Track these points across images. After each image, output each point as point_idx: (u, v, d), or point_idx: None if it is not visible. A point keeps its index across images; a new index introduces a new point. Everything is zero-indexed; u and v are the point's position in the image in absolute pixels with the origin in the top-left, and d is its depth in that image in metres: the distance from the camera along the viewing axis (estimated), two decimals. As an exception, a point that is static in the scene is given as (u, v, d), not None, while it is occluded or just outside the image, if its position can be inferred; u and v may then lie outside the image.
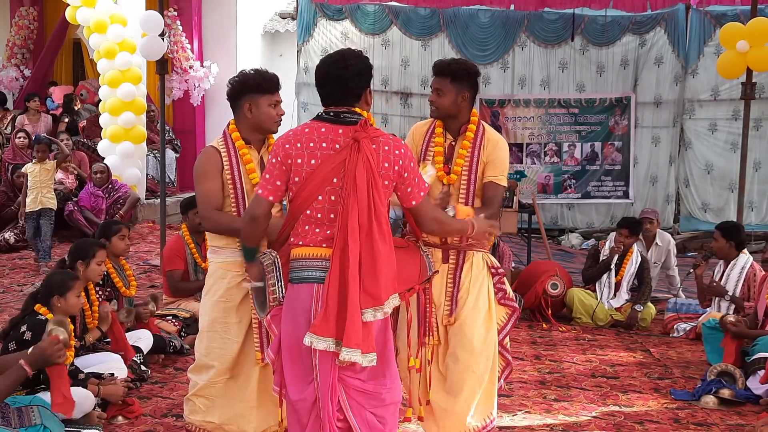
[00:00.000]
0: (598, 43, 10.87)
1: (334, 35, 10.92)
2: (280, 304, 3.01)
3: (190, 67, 12.14)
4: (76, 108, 11.81)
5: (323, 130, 2.92)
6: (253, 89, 3.50)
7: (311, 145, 2.90)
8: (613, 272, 6.84)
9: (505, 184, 3.70)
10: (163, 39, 7.57)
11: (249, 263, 3.14)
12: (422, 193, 3.03)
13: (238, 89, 3.54)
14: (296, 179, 2.90)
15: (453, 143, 3.73)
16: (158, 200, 8.82)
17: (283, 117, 3.59)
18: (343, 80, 2.92)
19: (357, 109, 2.96)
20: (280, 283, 2.99)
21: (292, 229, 2.99)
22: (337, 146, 2.89)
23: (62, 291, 4.15)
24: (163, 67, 7.66)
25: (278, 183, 2.93)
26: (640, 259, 6.92)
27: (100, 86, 10.30)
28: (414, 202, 3.02)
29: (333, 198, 2.88)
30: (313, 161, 2.88)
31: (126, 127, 9.96)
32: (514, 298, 3.85)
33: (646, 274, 6.88)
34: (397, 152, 2.93)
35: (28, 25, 12.88)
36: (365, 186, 2.82)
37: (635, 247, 6.94)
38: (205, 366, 3.59)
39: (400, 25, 10.89)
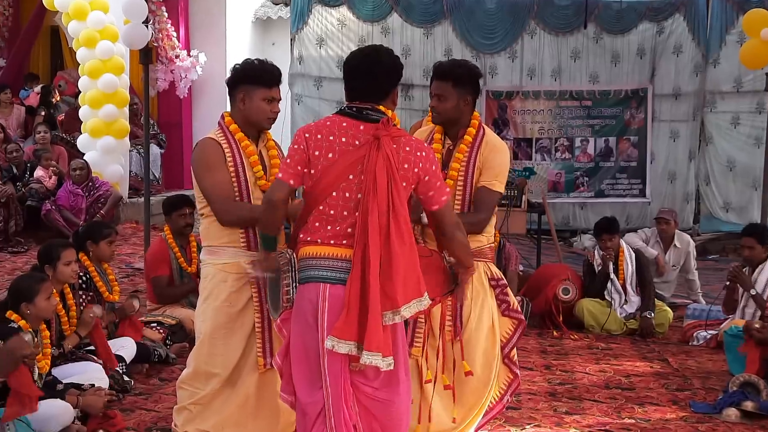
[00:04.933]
0: (612, 31, 10.88)
1: (331, 22, 10.92)
2: (293, 306, 3.08)
3: (176, 57, 12.13)
4: (53, 100, 11.81)
5: (344, 124, 2.99)
6: (249, 79, 3.54)
7: (330, 138, 2.97)
8: (615, 278, 6.85)
9: (501, 190, 3.71)
10: (147, 26, 7.57)
11: (266, 252, 3.19)
12: (444, 198, 3.10)
13: (235, 77, 3.59)
14: (312, 172, 2.98)
15: (451, 148, 3.75)
16: (142, 199, 8.82)
17: (278, 115, 3.61)
18: (373, 75, 3.02)
19: (382, 107, 3.05)
20: (295, 284, 3.06)
21: (304, 224, 3.05)
22: (357, 143, 2.96)
23: (29, 296, 4.17)
24: (147, 56, 7.66)
25: (299, 168, 3.01)
26: (633, 254, 6.93)
27: (79, 77, 10.30)
28: (437, 206, 3.10)
29: (347, 195, 2.95)
30: (330, 155, 2.96)
31: (107, 120, 9.96)
32: (520, 308, 3.87)
33: (645, 271, 6.88)
34: (418, 154, 3.01)
35: (3, 12, 12.87)
36: (385, 185, 2.89)
37: (623, 244, 6.96)
38: (206, 374, 3.61)
39: (400, 11, 10.90)
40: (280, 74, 3.61)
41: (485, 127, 3.78)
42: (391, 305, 2.88)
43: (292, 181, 3.01)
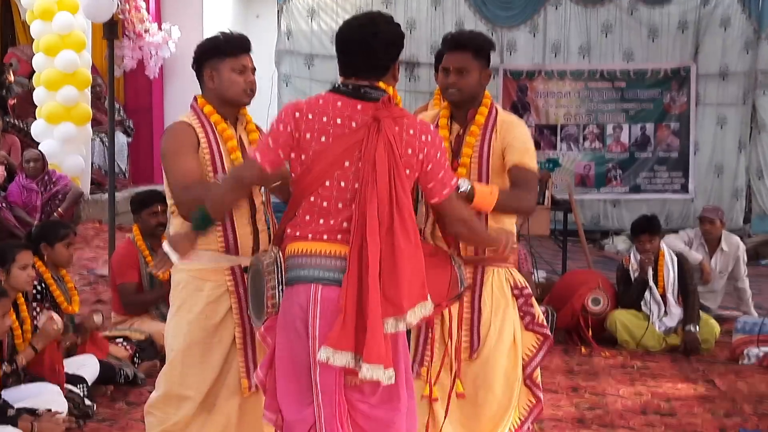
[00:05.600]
0: (649, 1, 10.89)
1: (324, -9, 10.95)
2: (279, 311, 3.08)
3: (146, 31, 12.11)
4: (7, 82, 11.81)
5: (339, 104, 2.99)
6: (212, 53, 3.57)
7: (324, 119, 2.97)
8: (654, 287, 6.85)
9: (534, 167, 3.67)
10: (112, -4, 7.57)
11: (192, 234, 3.20)
12: (446, 191, 3.11)
13: (198, 56, 3.62)
14: (302, 157, 2.97)
15: (461, 133, 3.75)
16: (106, 195, 8.82)
17: (260, 89, 3.61)
18: (370, 48, 3.01)
19: (381, 84, 3.04)
20: (281, 287, 3.04)
21: (291, 218, 3.05)
22: (354, 124, 2.96)
23: None
24: (111, 30, 7.66)
25: (280, 153, 3.00)
26: (675, 259, 6.93)
27: (33, 54, 10.30)
28: (437, 199, 3.11)
29: (343, 184, 2.95)
30: (323, 138, 2.95)
31: (66, 104, 9.95)
32: (545, 322, 3.86)
33: (688, 279, 6.88)
34: (423, 138, 3.01)
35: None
36: (386, 173, 2.90)
37: (663, 247, 6.95)
38: (179, 398, 3.59)
39: (405, -22, 10.93)
40: (247, 41, 3.62)
41: (497, 106, 3.78)
42: (395, 311, 2.88)
43: (267, 167, 3.00)
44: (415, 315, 2.93)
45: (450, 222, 3.18)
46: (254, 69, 3.63)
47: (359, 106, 2.98)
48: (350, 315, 2.87)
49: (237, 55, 3.57)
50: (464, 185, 3.41)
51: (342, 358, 2.86)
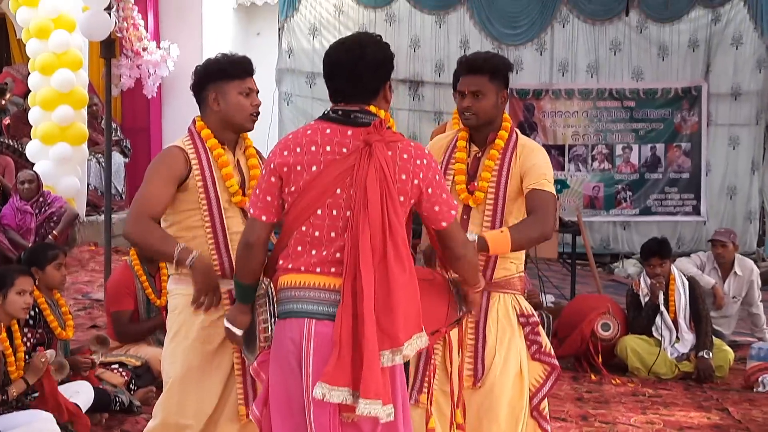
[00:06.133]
0: (659, 19, 10.92)
1: (326, 9, 10.99)
2: (272, 346, 3.06)
3: (144, 49, 12.17)
4: (1, 106, 11.84)
5: (328, 131, 2.98)
6: (217, 75, 3.56)
7: (313, 149, 2.95)
8: (665, 312, 6.83)
9: (552, 190, 3.67)
10: (109, 14, 7.60)
11: (240, 305, 3.18)
12: (453, 212, 3.07)
13: (200, 78, 3.61)
14: (292, 188, 2.96)
15: (479, 155, 3.75)
16: (102, 217, 8.82)
17: (260, 109, 3.62)
18: (357, 72, 2.99)
19: (372, 108, 3.02)
20: (273, 319, 3.04)
21: (283, 248, 3.03)
22: (345, 150, 2.94)
23: None
24: (109, 49, 7.69)
25: (269, 198, 2.99)
26: (687, 283, 6.91)
27: (29, 73, 10.34)
28: (444, 224, 3.06)
29: (335, 213, 2.93)
30: (314, 167, 2.94)
31: (62, 124, 9.98)
32: (552, 351, 3.84)
33: (700, 304, 6.86)
34: (418, 162, 2.98)
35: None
36: (378, 200, 2.87)
37: (674, 271, 6.94)
38: (177, 426, 3.59)
39: (408, -5, 10.98)
40: (251, 63, 3.63)
41: (517, 131, 3.79)
42: (391, 343, 2.85)
43: (264, 217, 3.00)
44: (412, 347, 2.90)
45: (456, 247, 3.12)
46: (258, 90, 3.64)
47: (350, 132, 2.96)
48: (345, 349, 2.84)
49: (243, 78, 3.57)
50: (470, 236, 3.38)
51: (339, 395, 2.83)
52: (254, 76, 3.65)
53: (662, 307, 6.82)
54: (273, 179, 2.98)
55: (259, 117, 3.65)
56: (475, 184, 3.69)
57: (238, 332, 3.19)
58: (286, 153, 2.97)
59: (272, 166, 2.98)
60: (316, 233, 2.94)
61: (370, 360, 2.81)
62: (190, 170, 3.53)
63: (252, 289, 3.14)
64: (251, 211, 3.03)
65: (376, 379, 2.81)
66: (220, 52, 3.65)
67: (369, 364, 2.81)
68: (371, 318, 2.83)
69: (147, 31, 12.32)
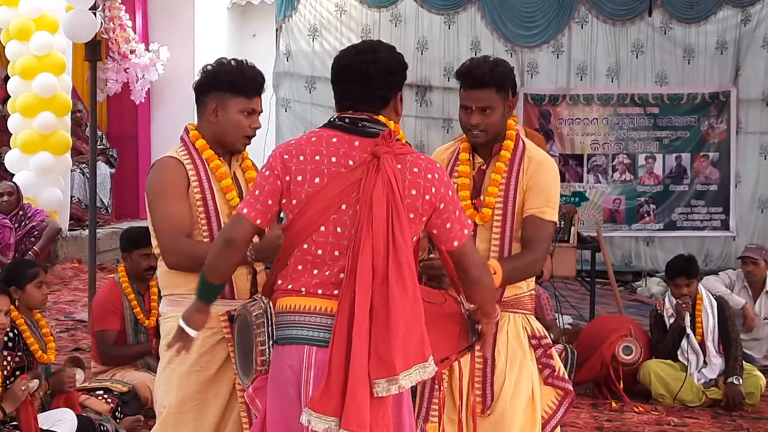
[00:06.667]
0: (685, 19, 10.93)
1: (327, 8, 11.02)
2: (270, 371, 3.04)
3: (132, 52, 12.21)
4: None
5: (334, 140, 2.98)
6: (224, 86, 3.54)
7: (317, 158, 2.95)
8: (692, 334, 6.81)
9: (554, 219, 3.67)
10: (95, 13, 7.62)
11: (200, 303, 3.15)
12: (467, 231, 3.07)
13: (205, 81, 3.58)
14: (294, 202, 2.95)
15: (483, 167, 3.74)
16: (86, 232, 8.83)
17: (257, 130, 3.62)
18: (368, 78, 3.00)
19: (382, 118, 3.03)
20: (271, 341, 3.02)
21: (283, 267, 3.02)
22: (351, 162, 2.94)
23: None
24: (94, 51, 7.71)
25: (269, 202, 2.98)
26: (715, 303, 6.90)
27: (8, 77, 10.37)
28: (456, 243, 3.05)
29: (339, 230, 2.93)
30: (317, 180, 2.94)
31: (44, 132, 10.00)
32: (567, 375, 3.84)
33: (729, 325, 6.84)
34: (429, 176, 2.98)
35: None
36: (384, 216, 2.86)
37: (701, 291, 6.93)
38: None
39: (415, -7, 11.00)
40: (263, 81, 3.62)
41: (523, 138, 3.77)
42: (387, 372, 2.83)
43: (258, 221, 2.98)
44: (411, 378, 2.88)
45: (471, 268, 3.11)
46: (261, 112, 3.63)
47: (357, 143, 2.96)
48: (336, 375, 2.83)
49: (250, 96, 3.56)
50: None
51: (322, 423, 2.82)
52: None
53: (688, 330, 6.81)
54: (279, 183, 2.96)
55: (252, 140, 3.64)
56: (481, 199, 3.68)
57: (193, 333, 3.15)
58: (286, 157, 2.97)
59: (276, 170, 2.97)
60: (319, 251, 2.94)
61: (355, 387, 2.80)
62: (190, 182, 3.53)
63: (217, 290, 3.13)
64: (244, 210, 2.99)
65: (359, 409, 2.80)
66: (235, 59, 3.60)
67: (353, 392, 2.80)
68: (361, 343, 2.81)
69: (135, 33, 12.36)
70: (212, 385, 3.54)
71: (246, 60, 3.66)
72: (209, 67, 3.60)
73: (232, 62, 3.58)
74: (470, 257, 3.10)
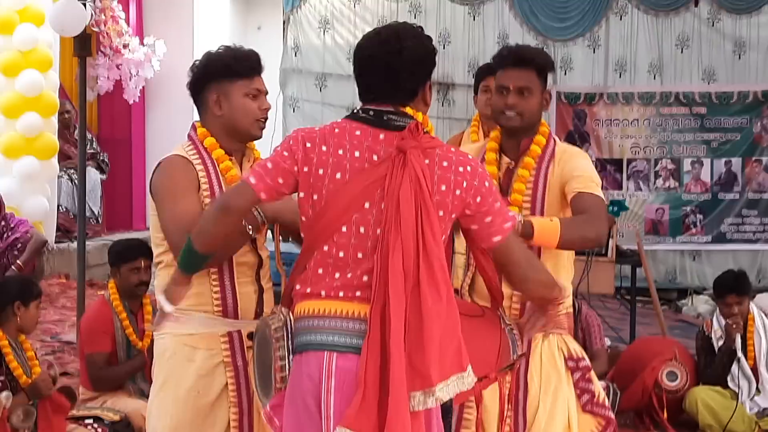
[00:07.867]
0: (735, 10, 10.92)
1: (339, -1, 11.05)
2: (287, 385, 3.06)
3: (125, 46, 12.26)
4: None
5: (358, 133, 3.01)
6: (220, 73, 3.57)
7: (339, 152, 2.98)
8: (743, 358, 6.79)
9: (601, 195, 3.68)
10: (84, 5, 7.66)
11: (182, 275, 3.20)
12: (508, 224, 3.08)
13: (199, 76, 3.61)
14: (314, 197, 2.98)
15: (511, 167, 3.77)
16: (74, 244, 8.86)
17: (269, 113, 3.64)
18: (393, 69, 3.02)
19: (409, 110, 3.05)
20: (291, 356, 3.03)
21: (302, 272, 3.04)
22: (375, 158, 2.96)
23: None
24: (84, 46, 7.75)
25: (280, 181, 3.00)
26: (766, 322, 6.88)
27: (-10, 75, 10.44)
28: (497, 238, 3.07)
29: (362, 230, 2.95)
30: (338, 175, 2.96)
31: (28, 135, 10.05)
32: (607, 402, 3.84)
33: None
34: (461, 169, 3.00)
35: None
36: (413, 216, 2.88)
37: (753, 310, 6.91)
38: None
39: (436, -17, 11.04)
40: (259, 58, 3.64)
41: (555, 137, 3.80)
42: (422, 383, 2.85)
43: (263, 194, 3.00)
44: (449, 389, 2.89)
45: (516, 267, 3.12)
46: (266, 92, 3.65)
47: (382, 136, 2.99)
48: (371, 389, 2.84)
49: (251, 76, 3.59)
50: (516, 218, 3.37)
51: None
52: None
53: (740, 353, 6.79)
54: (296, 169, 2.98)
55: (266, 123, 3.66)
56: (509, 199, 3.71)
57: (169, 308, 3.19)
58: (309, 144, 2.99)
59: (296, 157, 2.98)
60: (341, 253, 2.96)
61: (397, 402, 2.81)
62: (200, 182, 3.54)
63: (201, 261, 3.18)
64: (252, 180, 3.00)
65: (403, 425, 2.81)
66: (222, 45, 3.65)
67: (396, 408, 2.81)
68: (400, 353, 2.83)
69: (128, 25, 12.40)
70: (210, 414, 3.55)
71: (234, 43, 3.69)
72: (198, 62, 3.64)
73: (220, 49, 3.62)
74: (514, 253, 3.11)
